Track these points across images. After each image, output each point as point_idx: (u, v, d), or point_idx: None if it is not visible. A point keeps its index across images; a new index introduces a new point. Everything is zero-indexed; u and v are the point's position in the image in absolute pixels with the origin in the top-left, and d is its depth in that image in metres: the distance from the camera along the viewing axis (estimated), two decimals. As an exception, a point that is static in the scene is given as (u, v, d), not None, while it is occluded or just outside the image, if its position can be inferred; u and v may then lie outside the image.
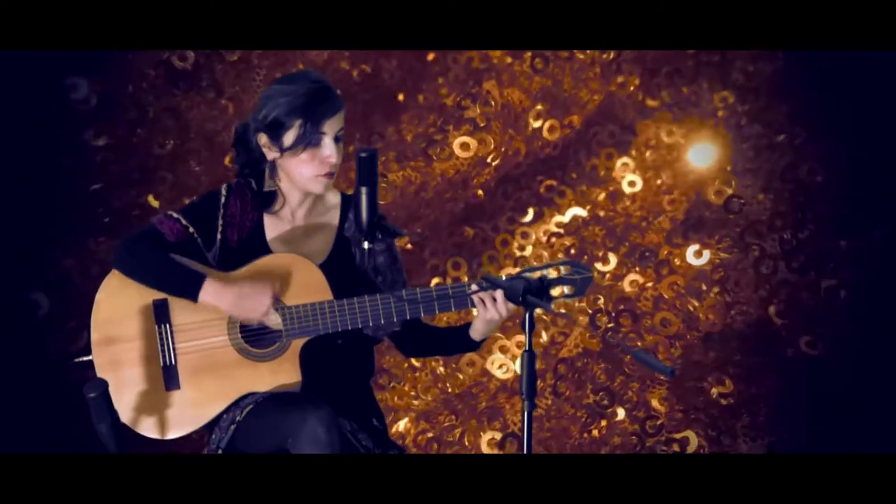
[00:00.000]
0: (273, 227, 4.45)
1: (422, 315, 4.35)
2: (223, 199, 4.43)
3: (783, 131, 6.55)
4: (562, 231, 6.64)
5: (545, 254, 6.63)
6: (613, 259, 6.63)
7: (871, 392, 6.39)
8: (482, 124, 6.59)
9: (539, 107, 6.61)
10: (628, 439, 6.58)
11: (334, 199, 4.52)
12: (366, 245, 4.18)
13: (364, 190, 4.10)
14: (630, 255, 6.62)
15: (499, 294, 4.27)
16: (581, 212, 6.63)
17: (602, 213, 6.63)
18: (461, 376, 6.58)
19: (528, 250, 6.64)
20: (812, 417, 6.51)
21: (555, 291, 4.29)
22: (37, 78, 6.05)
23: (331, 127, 4.33)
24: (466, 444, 6.58)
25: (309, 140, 4.32)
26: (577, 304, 6.59)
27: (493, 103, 6.58)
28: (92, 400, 4.08)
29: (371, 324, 4.33)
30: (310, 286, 4.34)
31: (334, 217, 4.50)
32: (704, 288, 6.57)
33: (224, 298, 4.29)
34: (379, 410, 4.49)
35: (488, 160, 6.60)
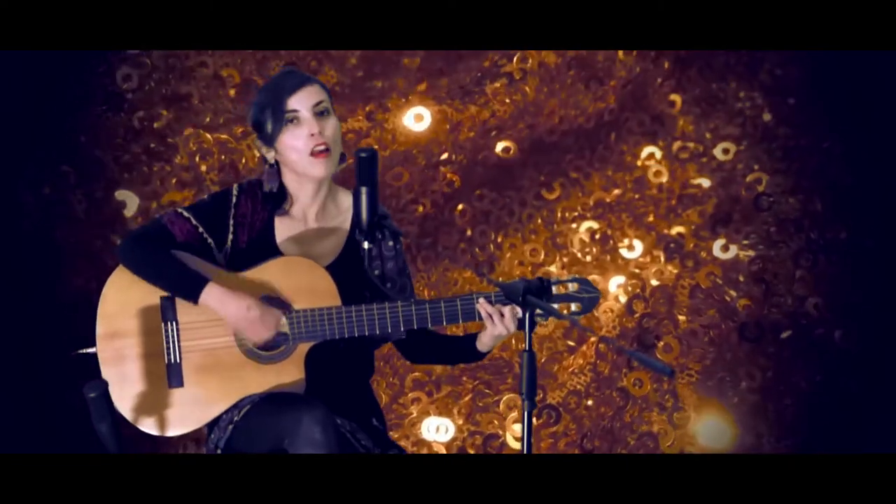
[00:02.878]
0: (285, 228, 4.43)
1: (429, 325, 4.34)
2: (234, 199, 4.41)
3: (813, 133, 6.48)
4: (588, 214, 6.61)
5: (569, 234, 6.60)
6: (639, 246, 6.60)
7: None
8: (518, 77, 6.55)
9: (571, 72, 6.58)
10: (654, 428, 6.55)
11: (347, 201, 4.48)
12: (365, 245, 4.21)
13: (364, 190, 4.10)
14: (657, 245, 6.58)
15: (507, 310, 4.28)
16: (608, 196, 6.60)
17: (629, 200, 6.59)
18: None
19: (553, 228, 6.61)
20: (841, 418, 6.45)
21: (562, 308, 4.29)
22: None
23: (301, 101, 4.33)
24: (502, 408, 6.60)
25: (282, 120, 4.32)
26: (615, 290, 6.60)
27: (529, 60, 6.55)
28: (92, 400, 4.07)
29: (378, 332, 4.32)
30: (319, 291, 4.32)
31: (346, 220, 4.47)
32: (742, 279, 6.53)
33: (226, 307, 4.28)
34: (379, 410, 4.48)
35: (524, 117, 6.58)
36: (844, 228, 6.46)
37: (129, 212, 6.32)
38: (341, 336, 4.30)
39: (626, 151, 6.59)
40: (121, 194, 6.34)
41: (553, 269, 6.59)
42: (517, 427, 6.51)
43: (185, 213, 4.37)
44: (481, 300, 4.30)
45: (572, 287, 4.33)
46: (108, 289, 4.34)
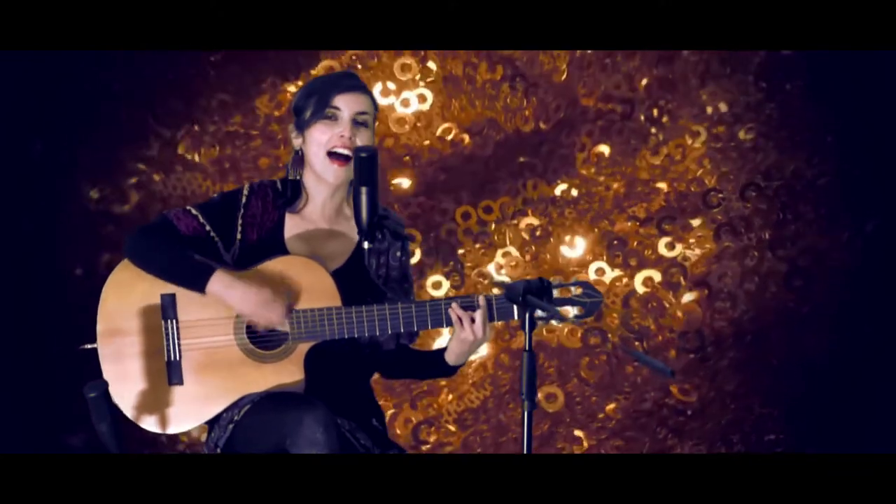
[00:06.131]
0: (295, 227, 4.44)
1: (429, 326, 4.34)
2: (244, 200, 4.41)
3: (769, 131, 6.45)
4: (528, 210, 6.53)
5: (509, 233, 6.52)
6: (581, 244, 6.50)
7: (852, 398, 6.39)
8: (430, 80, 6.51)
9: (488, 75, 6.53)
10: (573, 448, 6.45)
11: None
12: (365, 245, 4.20)
13: (364, 190, 4.12)
14: (600, 243, 6.48)
15: (478, 315, 4.29)
16: (551, 192, 6.53)
17: (574, 196, 6.50)
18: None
19: (491, 227, 6.52)
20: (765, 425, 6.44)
21: (564, 312, 4.31)
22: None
23: (346, 104, 4.36)
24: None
25: (321, 112, 4.36)
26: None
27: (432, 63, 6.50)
28: (92, 400, 4.04)
29: (378, 332, 4.33)
30: (319, 291, 4.33)
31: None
32: (683, 283, 6.46)
33: (233, 294, 4.26)
34: (379, 410, 4.49)
35: (462, 129, 6.50)
36: (797, 225, 6.43)
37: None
38: (341, 337, 4.31)
39: (574, 146, 6.50)
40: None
41: (489, 269, 6.51)
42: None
43: (194, 211, 4.38)
44: (453, 304, 4.31)
45: (574, 291, 4.35)
46: (109, 286, 4.33)
